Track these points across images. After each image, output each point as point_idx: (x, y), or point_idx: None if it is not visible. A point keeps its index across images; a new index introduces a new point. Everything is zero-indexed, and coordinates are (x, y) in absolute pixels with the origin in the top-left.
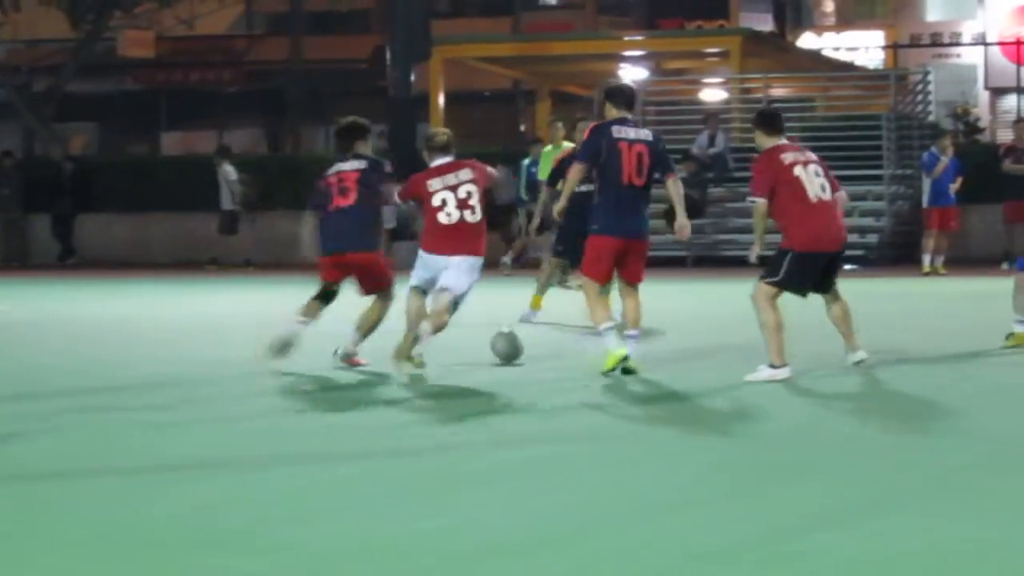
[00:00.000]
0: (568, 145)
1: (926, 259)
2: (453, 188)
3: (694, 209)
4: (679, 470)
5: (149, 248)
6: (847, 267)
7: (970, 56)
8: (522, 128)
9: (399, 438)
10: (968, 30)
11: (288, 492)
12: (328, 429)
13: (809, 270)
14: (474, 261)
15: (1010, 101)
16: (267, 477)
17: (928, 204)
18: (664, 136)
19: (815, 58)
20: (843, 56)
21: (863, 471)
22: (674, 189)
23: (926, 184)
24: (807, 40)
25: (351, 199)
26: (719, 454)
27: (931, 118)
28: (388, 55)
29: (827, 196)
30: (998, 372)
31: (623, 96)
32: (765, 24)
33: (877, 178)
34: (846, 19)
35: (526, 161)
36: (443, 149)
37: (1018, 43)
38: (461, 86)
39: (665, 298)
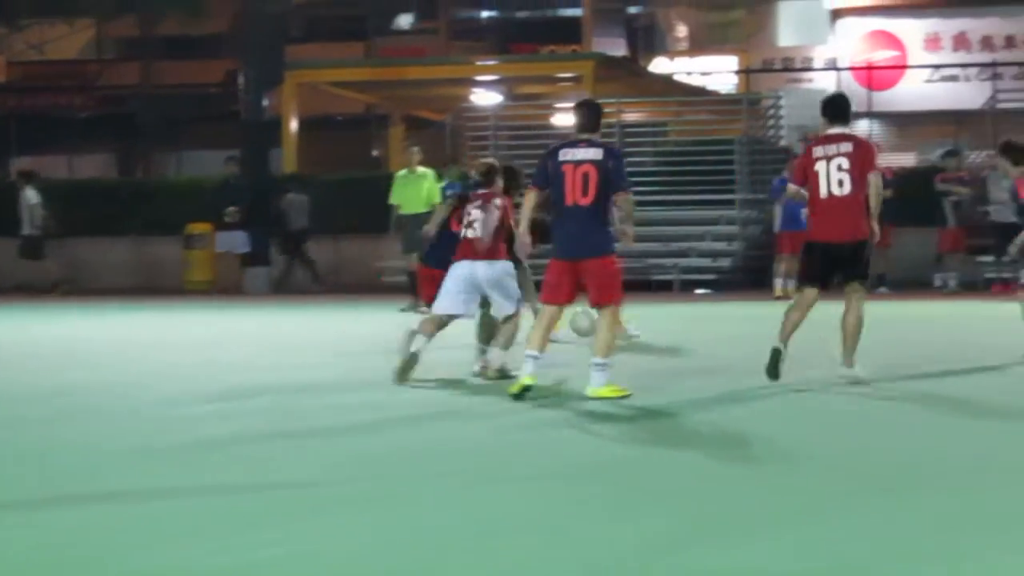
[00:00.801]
0: (424, 170)
1: (778, 283)
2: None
3: (545, 232)
4: (523, 493)
5: None
6: (698, 291)
7: (822, 81)
8: (375, 153)
9: (259, 469)
10: (820, 55)
11: (138, 520)
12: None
13: (817, 259)
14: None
15: (861, 126)
16: (117, 507)
17: (780, 228)
18: (516, 161)
19: (668, 83)
20: (696, 81)
21: (709, 498)
22: (623, 205)
23: (778, 209)
24: (660, 65)
25: None
26: (564, 481)
27: (783, 142)
28: (241, 79)
29: (842, 191)
30: (848, 400)
31: (580, 117)
32: (618, 49)
33: (729, 202)
34: (699, 44)
35: (442, 184)
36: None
37: (869, 68)
38: (314, 111)
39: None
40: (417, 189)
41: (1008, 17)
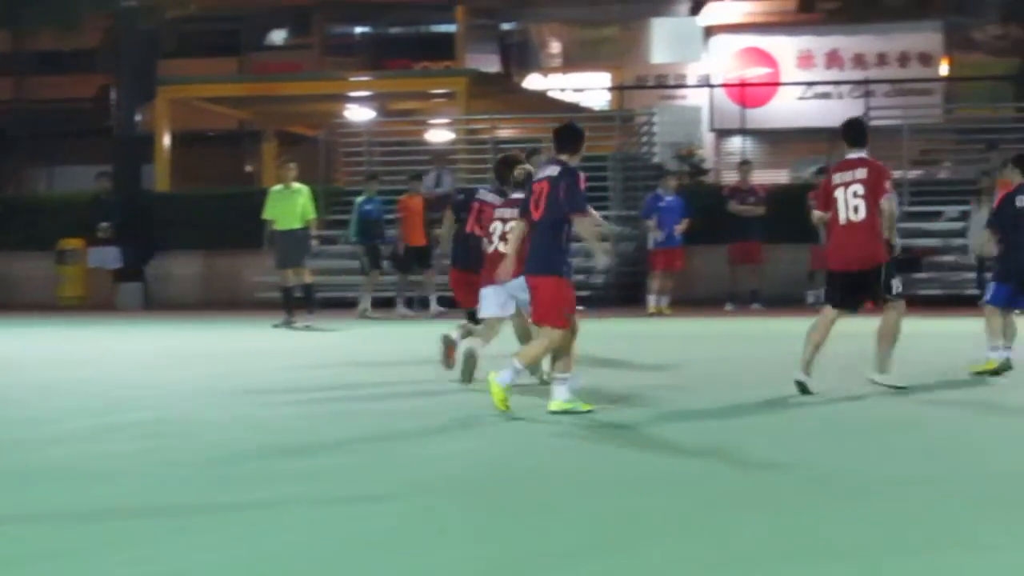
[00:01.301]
0: (298, 186)
1: (651, 300)
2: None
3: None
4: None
5: None
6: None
7: (695, 98)
8: (248, 169)
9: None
10: (693, 72)
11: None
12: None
13: (837, 285)
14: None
15: (735, 143)
16: None
17: (653, 245)
18: (389, 177)
19: (542, 99)
20: (569, 97)
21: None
22: (579, 228)
23: (651, 225)
24: (534, 81)
25: None
26: (445, 495)
27: (656, 159)
28: (114, 95)
29: (858, 217)
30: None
31: (554, 139)
32: (491, 65)
33: (603, 219)
34: (572, 61)
35: (359, 199)
36: (520, 185)
37: (742, 85)
38: (187, 126)
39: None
40: (291, 205)
41: (880, 35)
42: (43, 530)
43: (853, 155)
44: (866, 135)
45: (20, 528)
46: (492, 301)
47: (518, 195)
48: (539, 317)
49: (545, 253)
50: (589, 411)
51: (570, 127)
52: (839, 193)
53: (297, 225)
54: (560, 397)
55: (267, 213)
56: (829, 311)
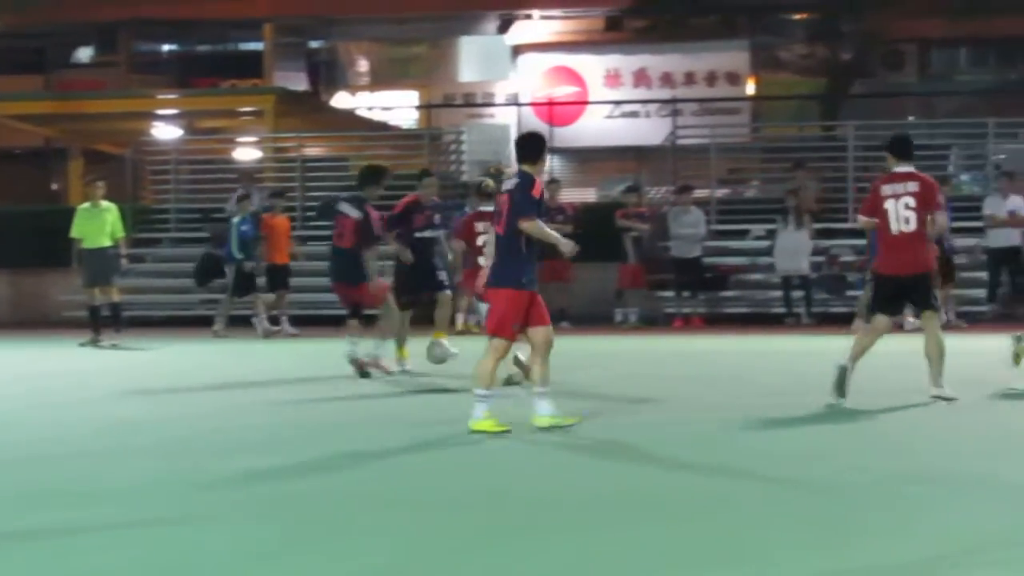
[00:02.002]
0: (107, 204)
1: (459, 317)
2: None
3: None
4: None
5: None
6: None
7: (504, 116)
8: (55, 187)
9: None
10: (501, 91)
11: None
12: None
13: (888, 291)
14: None
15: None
16: None
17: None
18: (197, 195)
19: (350, 117)
20: (378, 116)
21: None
22: (529, 231)
23: (458, 244)
24: (342, 100)
25: None
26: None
27: (465, 177)
28: None
29: (909, 228)
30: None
31: (518, 147)
32: (299, 83)
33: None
34: (380, 79)
35: (236, 219)
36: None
37: (550, 104)
38: None
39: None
40: (100, 223)
41: (687, 54)
42: None
43: (902, 169)
44: (912, 149)
45: None
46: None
47: (487, 208)
48: (492, 329)
49: (503, 265)
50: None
51: (530, 136)
52: (889, 204)
53: (106, 243)
54: (544, 412)
55: (75, 232)
56: (881, 320)
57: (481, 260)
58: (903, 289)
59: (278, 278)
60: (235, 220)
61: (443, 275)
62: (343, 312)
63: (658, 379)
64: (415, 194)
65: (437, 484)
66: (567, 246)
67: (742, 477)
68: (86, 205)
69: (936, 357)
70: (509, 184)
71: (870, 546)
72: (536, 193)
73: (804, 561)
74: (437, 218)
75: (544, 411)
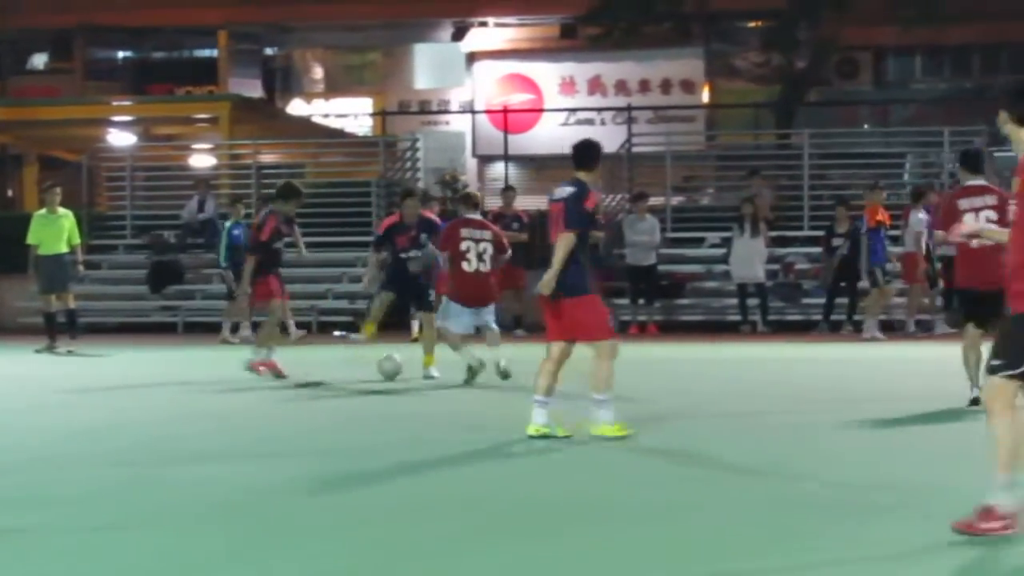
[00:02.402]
0: (63, 211)
1: (415, 325)
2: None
3: (175, 274)
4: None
5: None
6: (336, 333)
7: (458, 124)
8: (10, 193)
9: None
10: (456, 98)
11: None
12: None
13: (971, 303)
14: None
15: (498, 168)
16: None
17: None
18: (153, 202)
19: (305, 124)
20: (333, 123)
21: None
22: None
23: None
24: (297, 107)
25: None
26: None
27: (420, 184)
28: None
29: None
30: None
31: (574, 155)
32: (254, 90)
33: (366, 244)
34: (335, 86)
35: (228, 223)
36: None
37: (504, 111)
38: None
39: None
40: (57, 229)
41: (642, 61)
42: None
43: (975, 182)
44: (983, 163)
45: None
46: (463, 321)
47: (473, 215)
48: (588, 336)
49: (573, 274)
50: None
51: (587, 143)
52: (969, 218)
53: (62, 250)
54: (539, 421)
55: (32, 238)
56: (972, 329)
57: (465, 265)
58: (983, 301)
59: None
60: (227, 225)
61: (431, 294)
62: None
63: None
64: (397, 213)
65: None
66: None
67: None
68: (42, 212)
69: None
70: (564, 192)
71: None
72: (589, 205)
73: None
74: (423, 237)
75: (539, 420)
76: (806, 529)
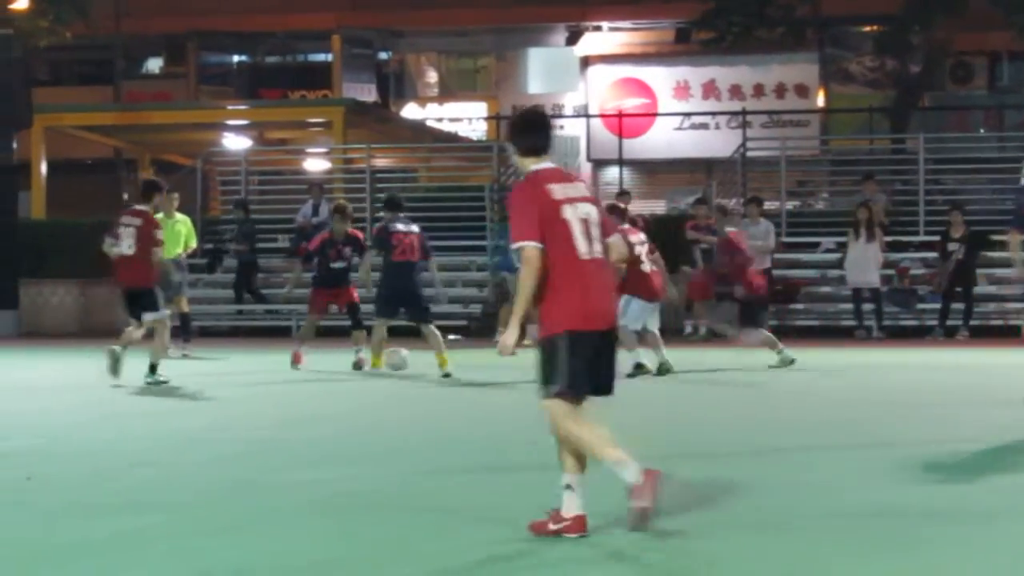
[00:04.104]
0: (180, 216)
1: (531, 329)
2: None
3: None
4: None
5: None
6: (450, 337)
7: (572, 128)
8: (125, 197)
9: None
10: (570, 102)
11: None
12: None
13: None
14: None
15: (612, 173)
16: None
17: None
18: (267, 205)
19: (419, 129)
20: (446, 127)
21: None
22: None
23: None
24: (410, 111)
25: None
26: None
27: None
28: None
29: None
30: None
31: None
32: (368, 95)
33: (480, 248)
34: (449, 91)
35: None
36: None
37: (619, 116)
38: (63, 154)
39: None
40: (173, 234)
41: (757, 66)
42: None
43: None
44: None
45: None
46: (641, 318)
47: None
48: None
49: None
50: None
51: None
52: None
53: (178, 254)
54: None
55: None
56: None
57: (642, 266)
58: None
59: None
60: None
61: (427, 303)
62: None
63: (724, 388)
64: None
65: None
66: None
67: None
68: (159, 216)
69: None
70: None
71: None
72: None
73: None
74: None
75: None
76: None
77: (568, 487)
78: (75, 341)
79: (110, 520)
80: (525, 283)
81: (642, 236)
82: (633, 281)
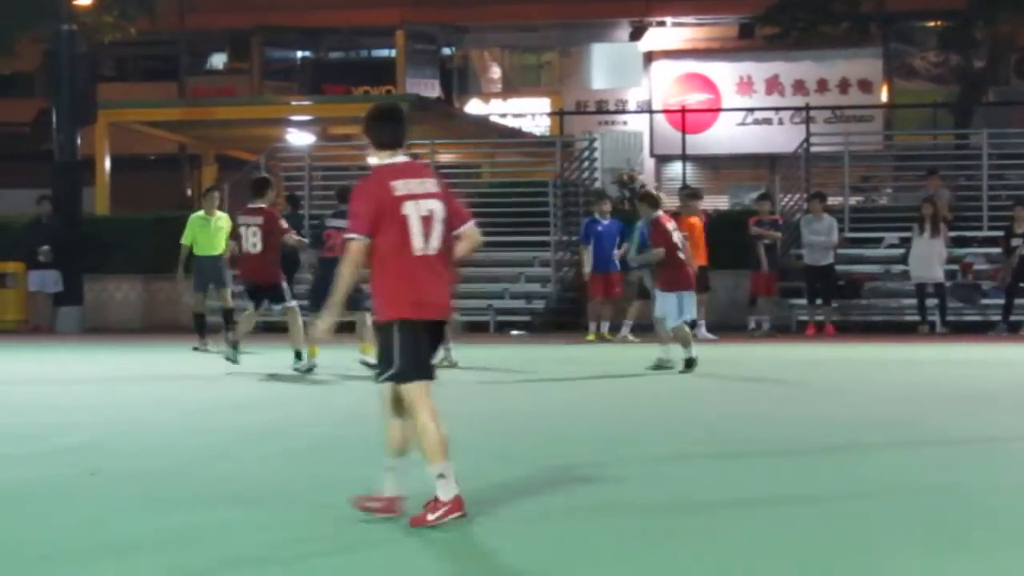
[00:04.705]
0: (220, 215)
1: (592, 325)
2: None
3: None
4: None
5: None
6: (513, 332)
7: (636, 124)
8: (189, 192)
9: None
10: (633, 98)
11: None
12: None
13: None
14: None
15: (675, 168)
16: None
17: (591, 270)
18: (330, 201)
19: (482, 124)
20: (510, 123)
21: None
22: None
23: (588, 251)
24: (474, 107)
25: None
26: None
27: (597, 184)
28: (53, 118)
29: None
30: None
31: None
32: (432, 90)
33: (544, 244)
34: (512, 86)
35: (639, 223)
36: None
37: (682, 111)
38: (127, 150)
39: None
40: (214, 232)
41: (819, 61)
42: None
43: None
44: None
45: None
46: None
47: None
48: None
49: None
50: None
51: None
52: None
53: (218, 252)
54: None
55: (186, 238)
56: None
57: (680, 255)
58: None
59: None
60: (639, 224)
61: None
62: None
63: (786, 387)
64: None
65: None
66: None
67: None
68: (200, 214)
69: None
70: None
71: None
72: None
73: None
74: None
75: None
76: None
77: (441, 476)
78: (139, 337)
79: (184, 513)
80: (344, 273)
81: (674, 223)
82: (671, 274)
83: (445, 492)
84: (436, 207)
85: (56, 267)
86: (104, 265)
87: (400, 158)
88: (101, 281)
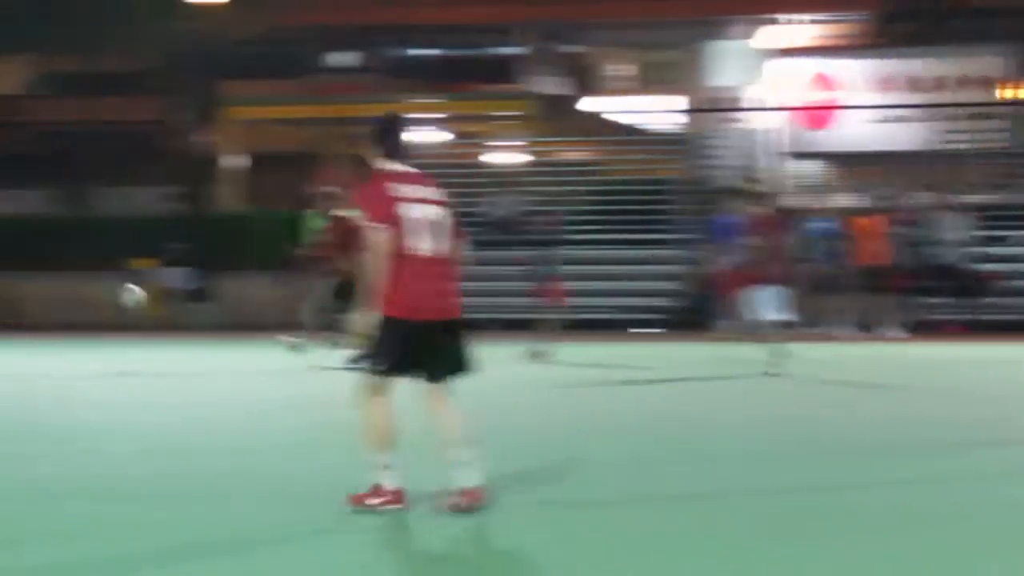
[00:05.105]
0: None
1: (720, 324)
2: None
3: None
4: None
5: None
6: (639, 331)
7: (758, 122)
8: (315, 190)
9: None
10: (755, 95)
11: None
12: None
13: None
14: None
15: (800, 166)
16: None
17: (720, 268)
18: (453, 199)
19: (605, 122)
20: (636, 120)
21: None
22: None
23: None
24: (597, 104)
25: None
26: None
27: (719, 182)
28: (180, 116)
29: None
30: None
31: None
32: (556, 88)
33: (669, 242)
34: (635, 84)
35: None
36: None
37: (804, 109)
38: (254, 146)
39: None
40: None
41: (947, 58)
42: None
43: None
44: None
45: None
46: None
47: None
48: None
49: None
50: None
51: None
52: None
53: None
54: None
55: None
56: None
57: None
58: None
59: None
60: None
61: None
62: None
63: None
64: None
65: None
66: None
67: None
68: (314, 211)
69: None
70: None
71: None
72: None
73: None
74: None
75: None
76: None
77: (387, 468)
78: (273, 333)
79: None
80: (375, 265)
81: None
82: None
83: (390, 482)
84: (438, 213)
85: (188, 264)
86: (238, 261)
87: (399, 167)
88: (235, 277)
